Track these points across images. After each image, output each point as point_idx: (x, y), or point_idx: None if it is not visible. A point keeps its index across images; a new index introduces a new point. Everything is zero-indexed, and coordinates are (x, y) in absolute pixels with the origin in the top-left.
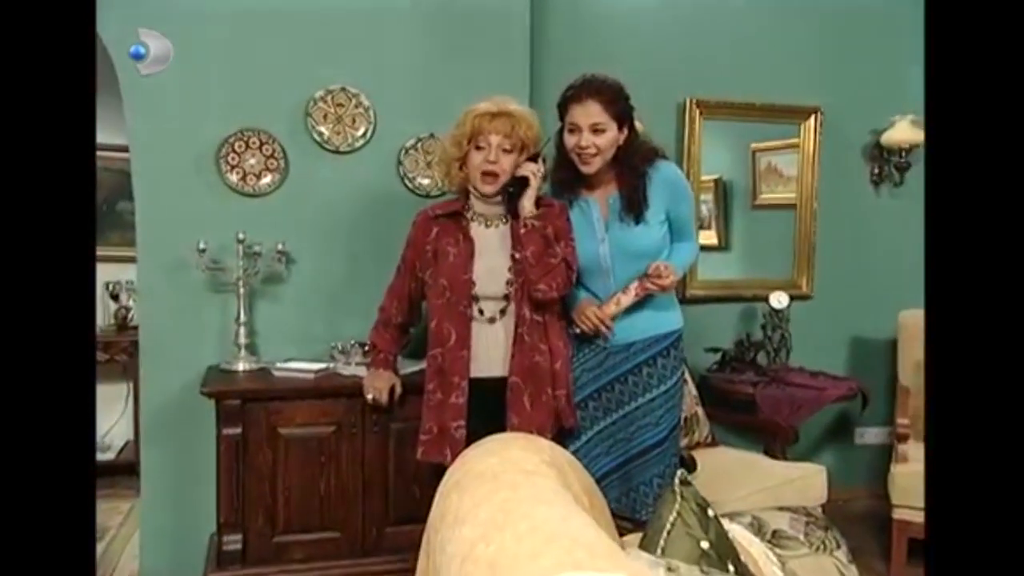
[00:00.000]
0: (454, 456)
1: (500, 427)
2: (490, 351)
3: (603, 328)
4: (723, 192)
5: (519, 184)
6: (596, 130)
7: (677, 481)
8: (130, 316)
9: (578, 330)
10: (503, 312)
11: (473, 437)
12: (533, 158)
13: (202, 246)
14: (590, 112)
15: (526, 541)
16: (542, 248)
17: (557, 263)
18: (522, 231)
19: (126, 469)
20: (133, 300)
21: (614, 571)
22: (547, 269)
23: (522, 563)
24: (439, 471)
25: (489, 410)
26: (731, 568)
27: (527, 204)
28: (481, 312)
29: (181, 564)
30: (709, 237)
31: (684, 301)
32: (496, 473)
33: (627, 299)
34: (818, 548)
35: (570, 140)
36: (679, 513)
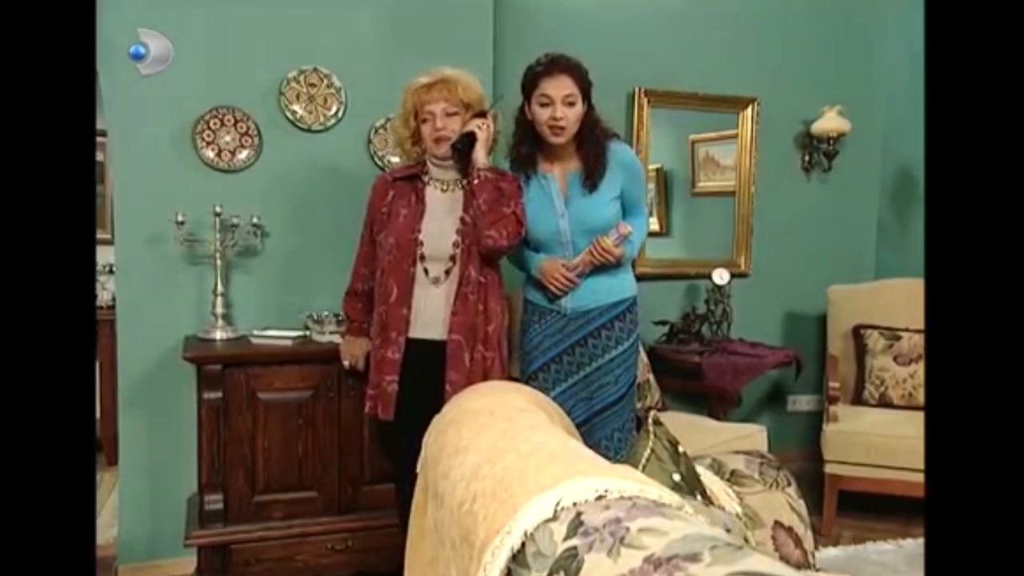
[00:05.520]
0: (384, 411)
1: (435, 388)
2: (431, 313)
3: (570, 284)
4: (664, 181)
5: (466, 140)
6: (568, 102)
7: (651, 421)
8: None
9: (549, 295)
10: (447, 273)
11: (408, 395)
12: (480, 115)
13: (180, 218)
14: (563, 85)
15: (531, 459)
16: (495, 196)
17: (509, 213)
18: (476, 181)
19: None
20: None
21: (621, 478)
22: (498, 217)
23: (529, 475)
24: None
25: (425, 371)
26: (698, 498)
27: (480, 156)
28: (426, 272)
29: (159, 529)
30: (651, 224)
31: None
32: (492, 410)
33: (589, 258)
34: (771, 485)
35: (543, 113)
36: (652, 449)
